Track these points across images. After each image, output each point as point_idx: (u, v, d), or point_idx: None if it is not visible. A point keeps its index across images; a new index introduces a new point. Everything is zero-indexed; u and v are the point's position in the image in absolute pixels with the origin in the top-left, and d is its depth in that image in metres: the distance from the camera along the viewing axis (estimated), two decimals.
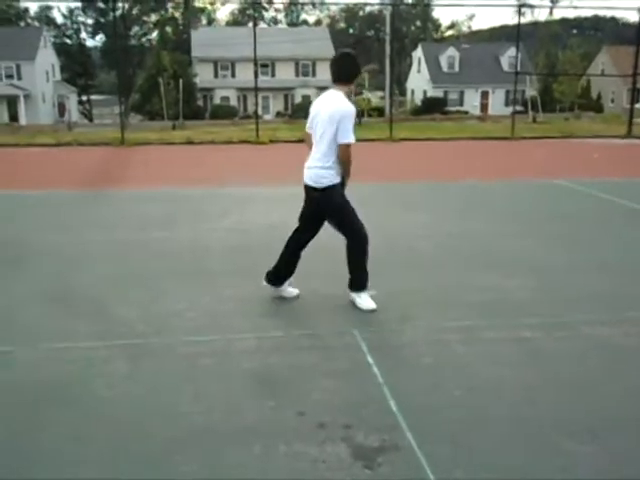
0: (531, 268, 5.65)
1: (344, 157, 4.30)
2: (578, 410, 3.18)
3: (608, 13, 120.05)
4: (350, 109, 4.29)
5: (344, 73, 4.37)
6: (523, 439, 2.91)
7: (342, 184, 4.46)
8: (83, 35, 65.75)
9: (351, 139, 4.26)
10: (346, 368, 3.65)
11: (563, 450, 2.82)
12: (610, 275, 5.45)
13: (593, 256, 6.11)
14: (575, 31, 77.01)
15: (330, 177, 4.38)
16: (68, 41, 64.24)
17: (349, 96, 4.40)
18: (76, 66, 61.52)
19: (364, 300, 4.59)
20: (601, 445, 2.85)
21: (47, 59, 51.69)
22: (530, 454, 2.79)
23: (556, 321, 4.37)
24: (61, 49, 59.38)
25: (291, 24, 74.61)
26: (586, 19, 79.73)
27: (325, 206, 4.50)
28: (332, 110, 4.27)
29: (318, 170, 4.40)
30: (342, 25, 78.41)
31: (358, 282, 4.60)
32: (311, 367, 3.66)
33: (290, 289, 4.83)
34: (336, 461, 2.73)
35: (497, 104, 51.45)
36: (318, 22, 74.72)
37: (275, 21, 78.01)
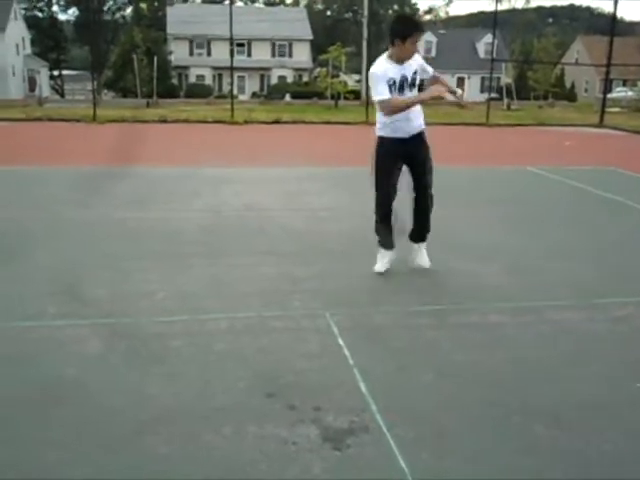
0: (501, 253, 5.71)
1: (384, 112, 4.53)
2: (543, 394, 3.24)
3: (584, 2, 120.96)
4: (372, 70, 4.48)
5: (389, 34, 4.49)
6: (490, 422, 2.96)
7: (388, 141, 4.81)
8: (55, 8, 64.24)
9: (376, 96, 4.47)
10: (317, 350, 3.66)
11: (529, 433, 2.87)
12: (578, 261, 5.53)
13: (562, 242, 6.19)
14: (551, 19, 77.38)
15: (377, 129, 4.85)
16: (39, 14, 62.62)
17: (393, 57, 4.46)
18: (47, 40, 60.05)
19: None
20: (565, 428, 2.91)
21: (17, 32, 50.35)
22: (497, 437, 2.84)
23: (524, 306, 4.44)
24: (32, 22, 57.86)
25: (268, 3, 73.73)
26: (562, 8, 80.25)
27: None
28: None
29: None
30: (319, 6, 77.70)
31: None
32: (282, 349, 3.66)
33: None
34: (306, 442, 2.75)
35: (473, 90, 51.61)
36: (296, 2, 73.96)
37: None
